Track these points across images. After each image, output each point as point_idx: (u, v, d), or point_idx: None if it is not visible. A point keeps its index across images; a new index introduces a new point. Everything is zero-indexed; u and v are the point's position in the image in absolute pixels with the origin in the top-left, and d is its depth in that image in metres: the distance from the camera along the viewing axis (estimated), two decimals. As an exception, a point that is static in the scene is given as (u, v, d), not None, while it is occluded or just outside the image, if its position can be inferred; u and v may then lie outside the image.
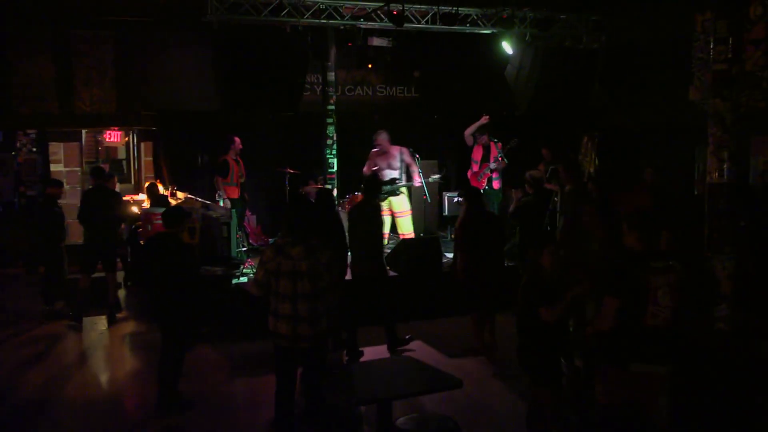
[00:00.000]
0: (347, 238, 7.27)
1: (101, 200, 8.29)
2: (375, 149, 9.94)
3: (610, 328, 4.23)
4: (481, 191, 8.62)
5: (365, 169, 9.99)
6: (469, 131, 10.15)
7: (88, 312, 8.53)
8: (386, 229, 9.37)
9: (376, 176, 8.39)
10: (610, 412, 4.25)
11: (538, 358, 4.59)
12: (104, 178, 8.63)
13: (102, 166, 12.46)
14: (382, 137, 9.85)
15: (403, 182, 9.89)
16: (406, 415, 4.21)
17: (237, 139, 9.91)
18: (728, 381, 4.50)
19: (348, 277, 7.33)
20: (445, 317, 8.37)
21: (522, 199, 7.80)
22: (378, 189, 7.49)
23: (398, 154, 9.88)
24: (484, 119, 10.01)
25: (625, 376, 4.26)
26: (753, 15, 8.19)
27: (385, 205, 9.49)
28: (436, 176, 10.37)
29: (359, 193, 10.05)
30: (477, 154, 10.15)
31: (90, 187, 8.46)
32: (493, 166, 9.96)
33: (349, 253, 7.32)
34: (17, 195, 11.29)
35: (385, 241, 9.23)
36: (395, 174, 9.84)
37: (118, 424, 5.85)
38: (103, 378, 6.90)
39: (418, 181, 9.92)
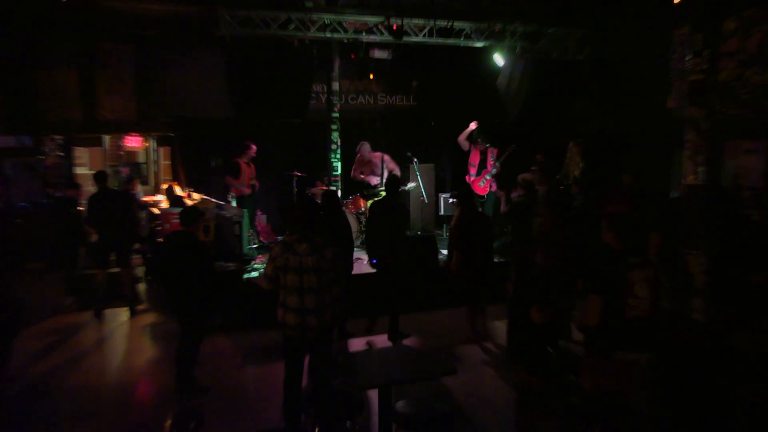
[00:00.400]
0: (366, 231, 7.33)
1: (106, 202, 8.30)
2: (358, 156, 10.17)
3: (596, 323, 4.25)
4: (473, 194, 8.65)
5: (352, 174, 10.38)
6: (462, 138, 10.18)
7: (111, 304, 8.55)
8: None
9: (396, 177, 8.43)
10: (595, 398, 4.26)
11: (532, 349, 4.57)
12: (107, 181, 8.65)
13: (122, 168, 12.51)
14: (365, 148, 10.28)
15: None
16: (404, 400, 4.21)
17: (254, 147, 9.91)
18: (704, 369, 4.50)
19: (363, 270, 7.35)
20: (441, 309, 8.38)
21: (515, 200, 7.81)
22: (398, 187, 7.52)
23: (380, 162, 10.14)
24: (473, 125, 10.05)
25: (609, 365, 4.27)
26: (726, 29, 8.20)
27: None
28: (412, 185, 10.42)
29: (358, 195, 10.19)
30: (474, 158, 10.17)
31: (95, 191, 8.49)
32: (493, 171, 10.01)
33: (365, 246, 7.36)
34: (45, 196, 11.30)
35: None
36: (377, 179, 10.21)
37: (139, 406, 5.88)
38: (125, 364, 6.90)
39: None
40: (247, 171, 9.91)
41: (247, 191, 9.87)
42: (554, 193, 7.23)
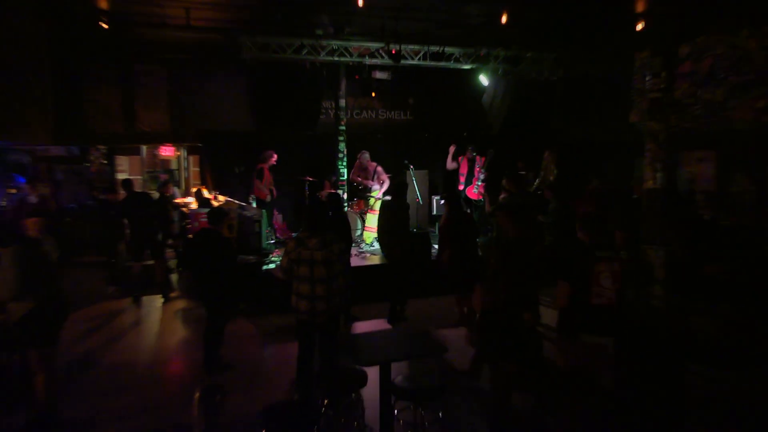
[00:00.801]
0: (378, 228, 7.38)
1: (134, 204, 8.33)
2: (357, 162, 10.25)
3: (564, 305, 4.24)
4: (459, 196, 8.64)
5: (351, 176, 10.35)
6: (448, 163, 10.19)
7: (147, 292, 8.55)
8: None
9: (404, 181, 8.43)
10: (566, 375, 4.25)
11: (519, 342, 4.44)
12: (134, 187, 8.70)
13: (161, 175, 12.51)
14: (365, 156, 10.22)
15: (376, 188, 10.13)
16: (401, 375, 4.21)
17: (275, 155, 9.90)
18: (663, 350, 4.48)
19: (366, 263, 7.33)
20: (433, 296, 8.37)
21: (500, 201, 7.78)
22: (404, 191, 7.51)
23: (373, 170, 10.16)
24: (452, 148, 10.05)
25: (577, 345, 4.26)
26: (682, 53, 8.17)
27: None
28: (387, 197, 10.47)
29: (357, 199, 10.20)
30: (463, 168, 10.17)
31: (125, 196, 8.50)
32: (482, 177, 10.00)
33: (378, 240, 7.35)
34: (90, 198, 11.31)
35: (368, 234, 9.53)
36: (372, 183, 10.21)
37: (171, 380, 5.87)
38: (158, 344, 6.89)
39: (380, 192, 10.20)
40: (269, 176, 9.90)
41: (266, 195, 9.84)
42: (511, 196, 7.18)
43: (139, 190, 8.98)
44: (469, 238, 7.01)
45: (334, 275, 4.69)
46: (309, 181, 10.45)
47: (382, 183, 10.22)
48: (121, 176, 11.93)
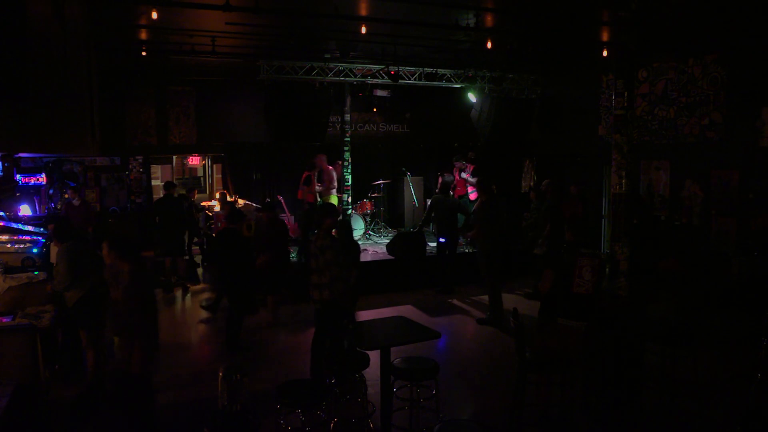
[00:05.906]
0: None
1: (170, 205, 8.35)
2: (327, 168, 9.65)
3: (546, 290, 4.29)
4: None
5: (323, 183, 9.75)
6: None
7: (176, 284, 8.57)
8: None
9: (450, 181, 8.29)
10: (543, 352, 4.28)
11: None
12: (174, 189, 8.72)
13: (174, 181, 12.50)
14: (323, 158, 9.49)
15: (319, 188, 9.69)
16: (400, 357, 4.24)
17: (318, 158, 9.50)
18: (625, 332, 4.51)
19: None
20: (428, 289, 8.39)
21: (479, 205, 7.83)
22: (449, 189, 7.61)
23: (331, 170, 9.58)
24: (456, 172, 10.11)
25: (555, 328, 4.29)
26: (640, 77, 8.25)
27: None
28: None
29: (365, 200, 10.19)
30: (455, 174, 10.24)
31: (161, 196, 8.53)
32: (466, 177, 10.06)
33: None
34: (129, 201, 11.38)
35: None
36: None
37: (198, 360, 5.91)
38: (187, 329, 6.94)
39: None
40: (314, 179, 9.68)
41: (311, 198, 9.30)
42: (483, 203, 7.19)
43: (160, 196, 9.00)
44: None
45: (343, 267, 4.73)
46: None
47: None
48: (154, 182, 11.97)
